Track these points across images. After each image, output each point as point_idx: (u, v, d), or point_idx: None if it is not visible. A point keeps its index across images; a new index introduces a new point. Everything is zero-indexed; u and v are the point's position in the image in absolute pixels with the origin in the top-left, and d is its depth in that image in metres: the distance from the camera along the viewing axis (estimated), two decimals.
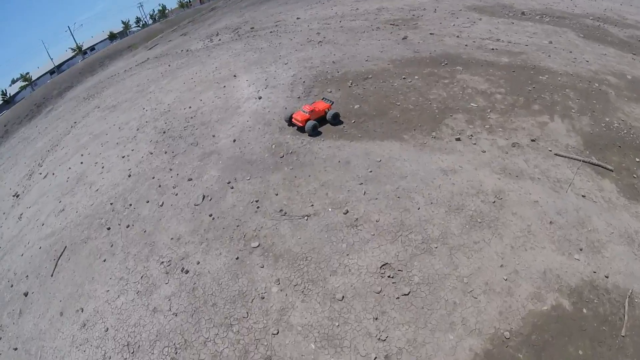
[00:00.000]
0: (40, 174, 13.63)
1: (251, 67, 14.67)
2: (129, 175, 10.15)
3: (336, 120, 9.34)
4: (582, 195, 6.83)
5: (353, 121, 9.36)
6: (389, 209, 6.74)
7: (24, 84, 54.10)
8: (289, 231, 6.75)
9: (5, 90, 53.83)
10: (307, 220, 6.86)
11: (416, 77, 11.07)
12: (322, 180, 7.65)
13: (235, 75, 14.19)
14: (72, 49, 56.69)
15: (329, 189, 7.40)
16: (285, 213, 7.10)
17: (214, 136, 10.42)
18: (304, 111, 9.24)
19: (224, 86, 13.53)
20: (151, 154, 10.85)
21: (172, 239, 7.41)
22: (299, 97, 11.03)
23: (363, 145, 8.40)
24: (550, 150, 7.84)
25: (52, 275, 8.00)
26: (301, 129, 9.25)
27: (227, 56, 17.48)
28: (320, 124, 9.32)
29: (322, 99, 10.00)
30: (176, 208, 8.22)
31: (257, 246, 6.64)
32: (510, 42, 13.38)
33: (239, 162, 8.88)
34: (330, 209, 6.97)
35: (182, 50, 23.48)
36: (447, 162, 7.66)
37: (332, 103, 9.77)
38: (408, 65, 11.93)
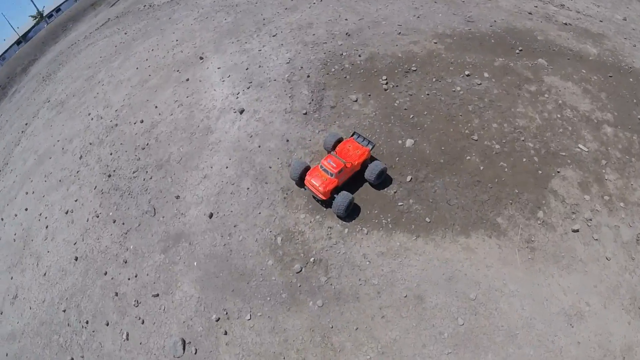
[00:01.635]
0: None
1: (224, 40, 9.40)
2: (76, 259, 6.93)
3: (382, 178, 5.46)
4: None
5: (409, 178, 5.51)
6: None
7: None
8: None
9: None
10: None
11: (486, 74, 6.68)
12: (382, 344, 4.28)
13: (201, 58, 9.13)
14: (32, 16, 47.43)
15: None
16: None
17: (177, 197, 6.43)
18: (326, 170, 5.22)
19: (187, 79, 8.65)
20: (97, 216, 7.27)
21: None
22: (305, 113, 6.73)
23: (438, 250, 4.80)
24: None
25: None
26: (325, 202, 5.42)
27: (191, 19, 11.64)
28: (353, 181, 5.47)
29: (354, 135, 5.78)
30: (148, 352, 5.06)
31: None
32: (578, 11, 8.77)
33: (226, 270, 5.28)
34: None
35: (144, 7, 17.83)
36: (570, 294, 4.51)
37: (374, 146, 5.64)
38: (465, 46, 7.31)
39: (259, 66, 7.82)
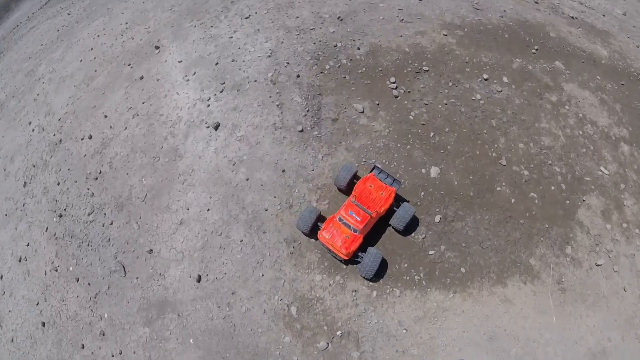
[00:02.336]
0: None
1: (183, 23, 6.97)
2: (43, 324, 5.40)
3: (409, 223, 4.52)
4: None
5: (438, 219, 4.75)
6: None
7: None
8: None
9: None
10: None
11: (505, 78, 5.79)
12: None
13: (157, 47, 6.67)
14: None
15: None
16: None
17: (150, 252, 4.93)
18: (348, 224, 4.16)
19: (141, 77, 6.36)
20: (56, 270, 5.61)
21: None
22: (301, 130, 5.29)
23: (477, 306, 4.30)
24: None
25: None
26: (346, 261, 4.42)
27: None
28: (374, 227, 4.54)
29: (374, 170, 4.64)
30: None
31: None
32: (581, 2, 8.00)
33: (233, 350, 4.28)
34: None
35: None
36: (595, 332, 4.44)
37: (400, 185, 4.62)
38: (479, 41, 6.21)
39: (232, 60, 5.89)
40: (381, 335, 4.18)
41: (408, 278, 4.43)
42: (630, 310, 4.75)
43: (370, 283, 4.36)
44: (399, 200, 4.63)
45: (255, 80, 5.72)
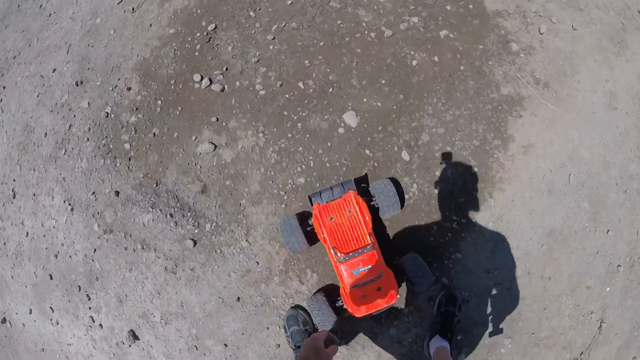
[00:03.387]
0: None
1: None
2: None
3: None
4: None
5: (404, 156, 3.45)
6: None
7: None
8: None
9: None
10: None
11: None
12: None
13: None
14: None
15: None
16: None
17: None
18: (364, 282, 2.34)
19: None
20: None
21: None
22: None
23: (505, 173, 3.33)
24: None
25: None
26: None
27: None
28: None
29: (315, 200, 2.75)
30: None
31: None
32: None
33: None
34: None
35: None
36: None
37: (351, 181, 2.80)
38: None
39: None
40: None
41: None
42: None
43: None
44: (365, 191, 3.21)
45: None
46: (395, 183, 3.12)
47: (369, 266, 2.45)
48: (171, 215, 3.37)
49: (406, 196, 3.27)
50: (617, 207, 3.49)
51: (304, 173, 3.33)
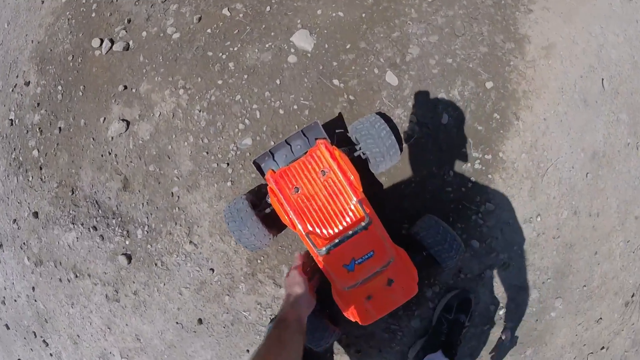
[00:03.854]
0: None
1: None
2: None
3: None
4: None
5: (392, 80, 2.30)
6: None
7: None
8: None
9: None
10: None
11: None
12: None
13: None
14: None
15: None
16: None
17: None
18: (369, 276, 1.44)
19: None
20: None
21: None
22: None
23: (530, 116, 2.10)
24: None
25: None
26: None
27: None
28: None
29: (265, 164, 1.76)
30: None
31: None
32: None
33: None
34: None
35: None
36: None
37: (319, 127, 1.75)
38: None
39: None
40: None
41: None
42: None
43: None
44: (343, 138, 2.07)
45: None
46: (385, 119, 1.92)
47: (370, 253, 1.33)
48: (95, 228, 2.52)
49: (403, 136, 2.12)
50: None
51: (249, 130, 2.28)
